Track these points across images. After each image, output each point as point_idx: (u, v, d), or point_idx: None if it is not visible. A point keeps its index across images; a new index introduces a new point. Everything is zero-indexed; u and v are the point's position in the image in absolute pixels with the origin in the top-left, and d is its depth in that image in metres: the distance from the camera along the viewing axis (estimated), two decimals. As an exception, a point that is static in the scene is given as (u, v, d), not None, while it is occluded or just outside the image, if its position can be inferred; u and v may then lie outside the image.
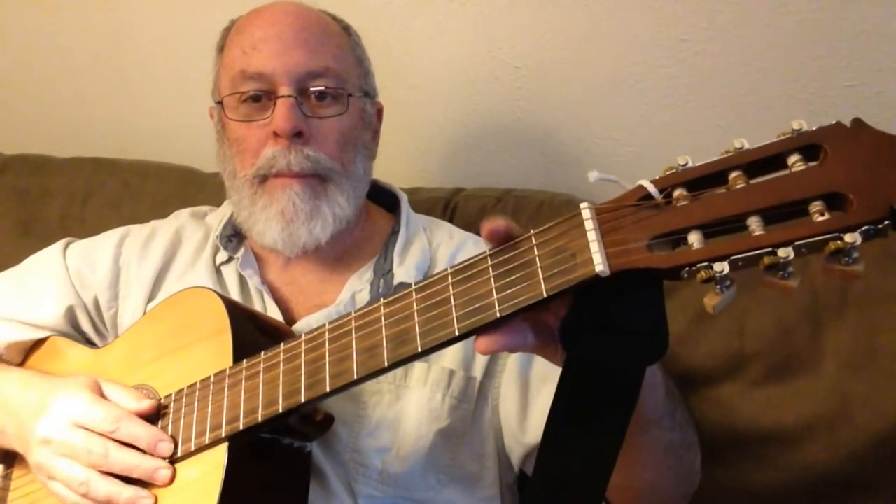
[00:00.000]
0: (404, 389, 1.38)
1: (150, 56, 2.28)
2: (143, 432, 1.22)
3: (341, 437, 1.35)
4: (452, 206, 1.85)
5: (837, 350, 1.53)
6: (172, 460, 1.21)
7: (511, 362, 1.41)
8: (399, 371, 1.38)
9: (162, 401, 1.28)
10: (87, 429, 1.23)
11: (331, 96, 1.41)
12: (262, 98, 1.39)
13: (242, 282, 1.50)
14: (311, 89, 1.39)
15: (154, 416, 1.27)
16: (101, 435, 1.22)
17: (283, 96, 1.37)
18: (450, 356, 1.39)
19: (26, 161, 2.22)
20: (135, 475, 1.20)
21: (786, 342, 1.55)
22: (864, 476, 1.49)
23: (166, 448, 1.21)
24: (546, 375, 1.34)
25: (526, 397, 1.39)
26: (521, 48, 1.89)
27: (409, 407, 1.37)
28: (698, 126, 1.78)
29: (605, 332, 0.86)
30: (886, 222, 0.70)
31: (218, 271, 1.53)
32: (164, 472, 1.20)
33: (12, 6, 2.39)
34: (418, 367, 1.38)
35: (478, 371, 1.40)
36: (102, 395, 1.29)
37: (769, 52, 1.71)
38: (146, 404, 1.26)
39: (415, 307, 0.99)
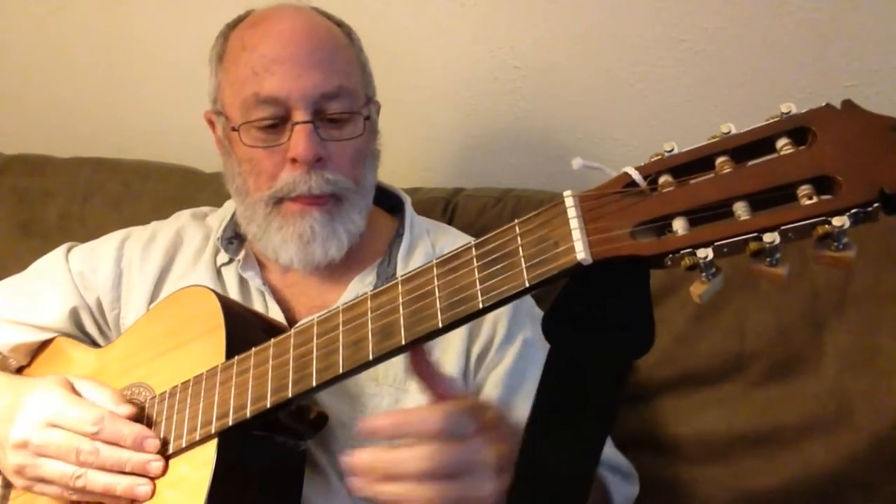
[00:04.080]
0: (404, 393, 1.37)
1: (150, 56, 2.28)
2: (127, 430, 1.22)
3: (338, 438, 1.34)
4: (452, 206, 1.85)
5: (837, 350, 1.52)
6: (165, 457, 1.21)
7: (496, 378, 1.41)
8: (399, 374, 1.37)
9: (156, 398, 1.28)
10: (63, 427, 1.22)
11: (346, 118, 1.39)
12: (278, 123, 1.36)
13: (243, 283, 1.50)
14: (328, 112, 1.37)
15: (139, 416, 1.28)
16: (83, 434, 1.21)
17: (300, 122, 1.34)
18: (451, 363, 1.39)
19: (26, 161, 2.23)
20: (127, 469, 1.20)
21: (786, 342, 1.55)
22: (864, 476, 1.49)
23: (153, 444, 1.21)
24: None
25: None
26: (520, 48, 1.89)
27: None
28: (698, 126, 1.77)
29: (589, 323, 0.84)
30: (876, 205, 0.68)
31: (219, 272, 1.52)
32: (156, 463, 1.20)
33: (13, 6, 2.40)
34: None
35: (469, 381, 1.41)
36: (77, 393, 1.29)
37: (769, 53, 1.70)
38: (125, 409, 1.26)
39: (400, 300, 0.98)
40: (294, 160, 1.34)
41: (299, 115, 1.34)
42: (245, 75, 1.37)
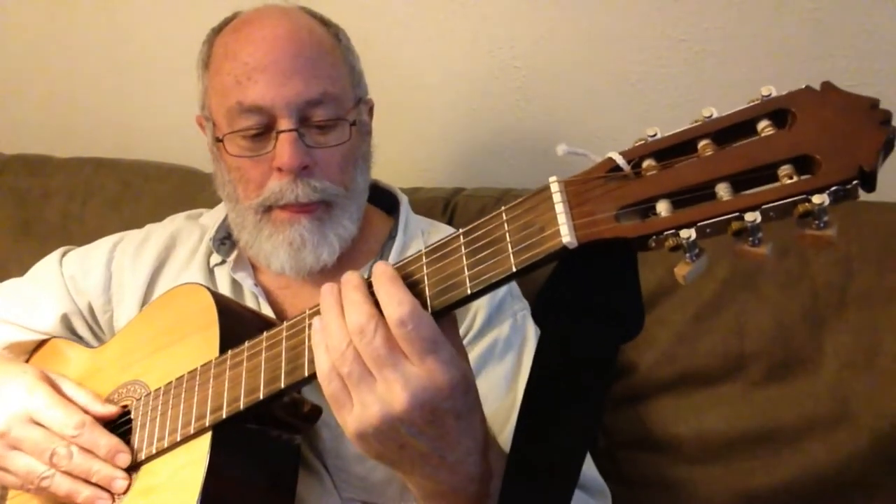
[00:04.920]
0: None
1: (150, 56, 2.29)
2: (104, 441, 1.24)
3: (325, 441, 1.34)
4: (452, 206, 1.85)
5: (837, 350, 1.52)
6: (160, 451, 1.22)
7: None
8: None
9: (151, 394, 1.28)
10: (44, 426, 1.25)
11: (331, 124, 1.38)
12: (263, 131, 1.36)
13: (235, 284, 1.50)
14: (313, 119, 1.36)
15: (117, 419, 1.30)
16: (62, 437, 1.24)
17: (284, 130, 1.33)
18: None
19: (26, 161, 2.24)
20: (93, 480, 1.22)
21: (786, 342, 1.54)
22: (864, 476, 1.48)
23: (124, 459, 1.23)
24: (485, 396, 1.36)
25: None
26: (521, 48, 1.89)
27: None
28: (696, 125, 1.77)
29: (577, 307, 0.85)
30: (855, 182, 0.69)
31: (211, 272, 1.53)
32: (120, 482, 1.22)
33: (13, 7, 2.41)
34: None
35: None
36: (60, 392, 1.31)
37: (769, 53, 1.70)
38: (110, 409, 1.29)
39: None
40: (280, 169, 1.34)
41: (283, 124, 1.33)
42: (228, 84, 1.36)
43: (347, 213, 1.41)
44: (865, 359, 1.50)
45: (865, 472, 1.48)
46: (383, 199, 1.61)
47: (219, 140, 1.39)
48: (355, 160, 1.43)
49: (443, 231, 1.59)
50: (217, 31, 1.46)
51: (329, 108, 1.36)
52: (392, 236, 1.52)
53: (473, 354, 1.40)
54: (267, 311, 1.45)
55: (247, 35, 1.38)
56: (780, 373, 1.54)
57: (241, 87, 1.34)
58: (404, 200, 1.59)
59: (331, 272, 1.43)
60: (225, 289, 1.49)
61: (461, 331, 1.41)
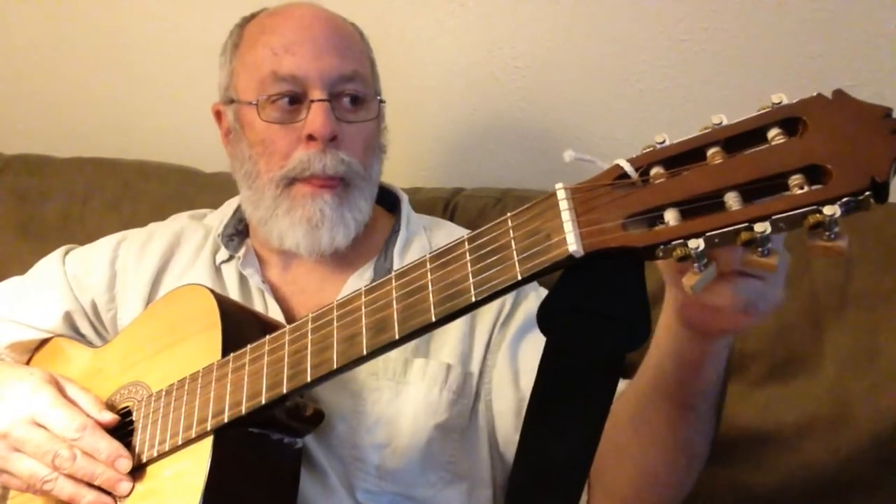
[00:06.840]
0: (403, 386, 1.37)
1: (150, 56, 2.28)
2: (104, 445, 1.24)
3: (339, 433, 1.34)
4: (452, 206, 1.84)
5: (837, 350, 1.51)
6: (162, 453, 1.22)
7: (502, 357, 1.40)
8: (398, 367, 1.37)
9: (153, 396, 1.28)
10: (46, 428, 1.25)
11: (360, 101, 1.43)
12: (295, 100, 1.39)
13: (242, 280, 1.50)
14: (344, 94, 1.40)
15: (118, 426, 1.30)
16: (63, 439, 1.23)
17: (317, 100, 1.37)
18: (447, 350, 1.39)
19: (26, 161, 2.22)
20: (96, 482, 1.22)
21: (786, 342, 1.54)
22: (864, 476, 1.48)
23: (125, 465, 1.23)
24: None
25: (519, 395, 1.37)
26: (521, 48, 1.89)
27: (406, 402, 1.36)
28: (698, 126, 1.76)
29: (583, 315, 0.84)
30: (867, 193, 0.67)
31: (218, 270, 1.52)
32: (125, 484, 1.22)
33: (13, 6, 2.40)
34: (417, 362, 1.37)
35: (475, 367, 1.40)
36: (64, 395, 1.31)
37: (769, 53, 1.70)
38: (107, 417, 1.28)
39: (394, 294, 0.98)
40: (311, 137, 1.36)
41: (316, 94, 1.37)
42: (263, 56, 1.41)
43: (364, 197, 1.44)
44: (865, 359, 1.50)
45: (865, 472, 1.48)
46: (384, 198, 1.61)
47: (252, 104, 1.41)
48: (374, 145, 1.47)
49: (443, 226, 1.60)
50: (248, 18, 1.51)
51: (358, 85, 1.42)
52: (395, 231, 1.53)
53: (512, 329, 1.41)
54: (273, 306, 1.45)
55: (285, 15, 1.46)
56: (780, 373, 1.54)
57: (278, 58, 1.39)
58: (404, 198, 1.60)
59: (337, 266, 1.47)
60: (232, 285, 1.49)
61: (493, 314, 1.43)
